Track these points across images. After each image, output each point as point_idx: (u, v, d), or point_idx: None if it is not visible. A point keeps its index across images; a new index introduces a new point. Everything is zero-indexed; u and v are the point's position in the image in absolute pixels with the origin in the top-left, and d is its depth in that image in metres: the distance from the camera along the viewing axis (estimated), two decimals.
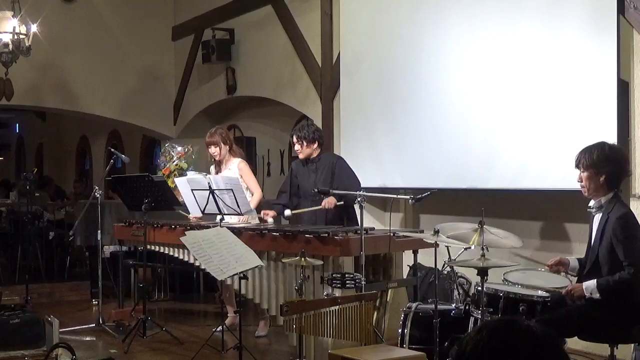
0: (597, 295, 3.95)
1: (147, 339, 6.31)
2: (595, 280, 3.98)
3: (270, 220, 6.21)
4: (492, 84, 6.05)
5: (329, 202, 5.77)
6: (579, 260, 4.33)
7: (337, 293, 4.73)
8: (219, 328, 5.89)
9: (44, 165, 16.85)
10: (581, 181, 4.12)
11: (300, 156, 6.11)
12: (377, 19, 7.21)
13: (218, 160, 6.59)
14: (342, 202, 5.80)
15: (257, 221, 6.37)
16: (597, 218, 4.12)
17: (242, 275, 5.01)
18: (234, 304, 6.58)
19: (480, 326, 1.64)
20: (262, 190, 6.77)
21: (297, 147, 6.09)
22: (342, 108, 7.62)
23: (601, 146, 4.09)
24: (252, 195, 6.44)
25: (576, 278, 4.28)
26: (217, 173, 6.56)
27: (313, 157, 6.09)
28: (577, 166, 4.12)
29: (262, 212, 6.31)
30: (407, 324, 4.81)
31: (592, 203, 4.16)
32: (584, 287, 4.01)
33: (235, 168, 6.50)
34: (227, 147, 6.56)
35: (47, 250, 9.42)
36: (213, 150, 6.54)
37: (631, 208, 4.40)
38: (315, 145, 6.05)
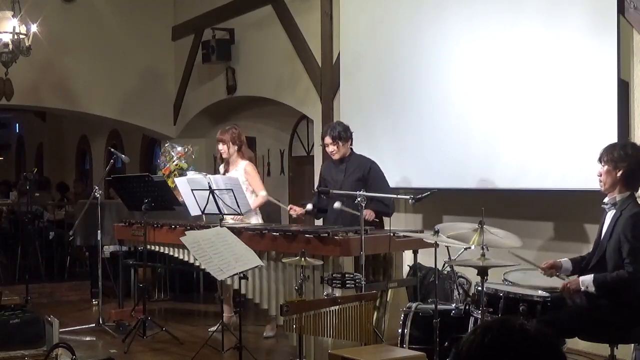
0: (592, 289, 3.96)
1: (147, 339, 6.31)
2: (592, 274, 4.00)
3: (296, 213, 6.17)
4: (492, 84, 6.05)
5: (370, 214, 5.58)
6: (573, 260, 4.35)
7: (337, 293, 4.73)
8: (217, 328, 5.88)
9: (44, 165, 16.85)
10: (600, 175, 4.16)
11: (336, 157, 5.92)
12: (377, 19, 7.21)
13: (225, 158, 6.60)
14: (377, 220, 5.71)
15: (259, 221, 6.38)
16: (610, 215, 4.14)
17: (242, 275, 5.01)
18: (231, 304, 6.62)
19: (475, 327, 1.66)
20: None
21: (332, 148, 5.88)
22: (342, 108, 7.62)
23: (624, 144, 4.20)
24: (256, 196, 6.47)
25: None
26: (225, 172, 6.58)
27: (344, 157, 5.94)
28: (599, 160, 4.17)
29: (289, 207, 6.31)
30: (407, 324, 4.81)
31: (606, 199, 4.18)
32: (580, 280, 4.02)
33: (242, 170, 6.50)
34: (236, 147, 6.53)
35: (47, 250, 9.42)
36: (220, 147, 6.55)
37: None
38: (349, 143, 5.93)
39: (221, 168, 6.74)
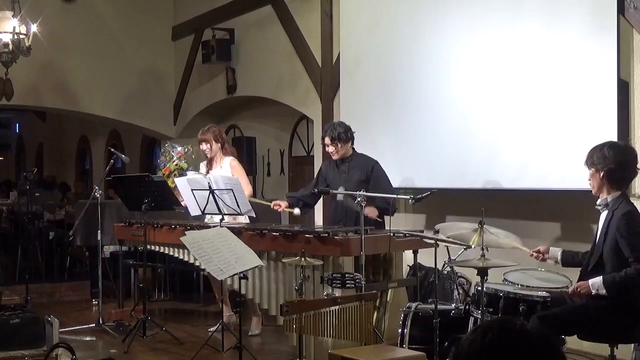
0: (603, 292, 3.97)
1: (147, 339, 6.31)
2: (601, 277, 4.01)
3: (281, 209, 6.19)
4: (492, 84, 6.05)
5: (372, 212, 5.58)
6: (566, 252, 4.42)
7: (337, 293, 4.73)
8: (217, 328, 5.89)
9: (44, 165, 16.85)
10: (589, 179, 4.20)
11: (335, 157, 5.91)
12: (377, 19, 7.21)
13: (209, 157, 6.61)
14: (380, 219, 5.67)
15: (246, 220, 6.38)
16: (603, 216, 4.16)
17: (242, 275, 5.01)
18: (229, 304, 6.65)
19: (476, 327, 1.67)
20: (262, 190, 6.77)
21: (331, 149, 5.87)
22: (342, 108, 7.62)
23: (602, 145, 4.18)
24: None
25: (578, 275, 4.28)
26: (207, 170, 6.59)
27: (345, 157, 5.93)
28: (585, 164, 4.21)
29: (272, 203, 6.29)
30: (407, 324, 4.81)
31: (599, 201, 4.21)
32: (590, 283, 4.02)
33: (227, 166, 6.52)
34: (219, 145, 6.57)
35: (47, 250, 9.42)
36: (204, 147, 6.56)
37: None
38: (349, 144, 5.91)
39: (202, 166, 6.72)
